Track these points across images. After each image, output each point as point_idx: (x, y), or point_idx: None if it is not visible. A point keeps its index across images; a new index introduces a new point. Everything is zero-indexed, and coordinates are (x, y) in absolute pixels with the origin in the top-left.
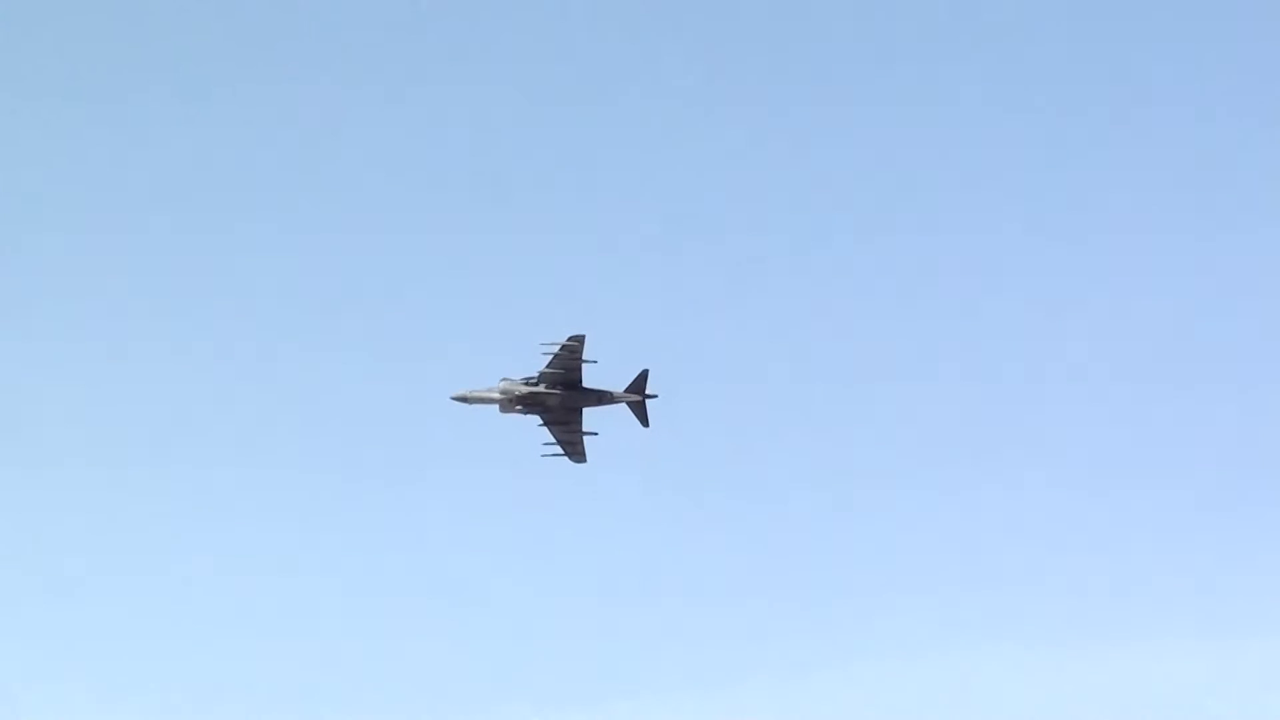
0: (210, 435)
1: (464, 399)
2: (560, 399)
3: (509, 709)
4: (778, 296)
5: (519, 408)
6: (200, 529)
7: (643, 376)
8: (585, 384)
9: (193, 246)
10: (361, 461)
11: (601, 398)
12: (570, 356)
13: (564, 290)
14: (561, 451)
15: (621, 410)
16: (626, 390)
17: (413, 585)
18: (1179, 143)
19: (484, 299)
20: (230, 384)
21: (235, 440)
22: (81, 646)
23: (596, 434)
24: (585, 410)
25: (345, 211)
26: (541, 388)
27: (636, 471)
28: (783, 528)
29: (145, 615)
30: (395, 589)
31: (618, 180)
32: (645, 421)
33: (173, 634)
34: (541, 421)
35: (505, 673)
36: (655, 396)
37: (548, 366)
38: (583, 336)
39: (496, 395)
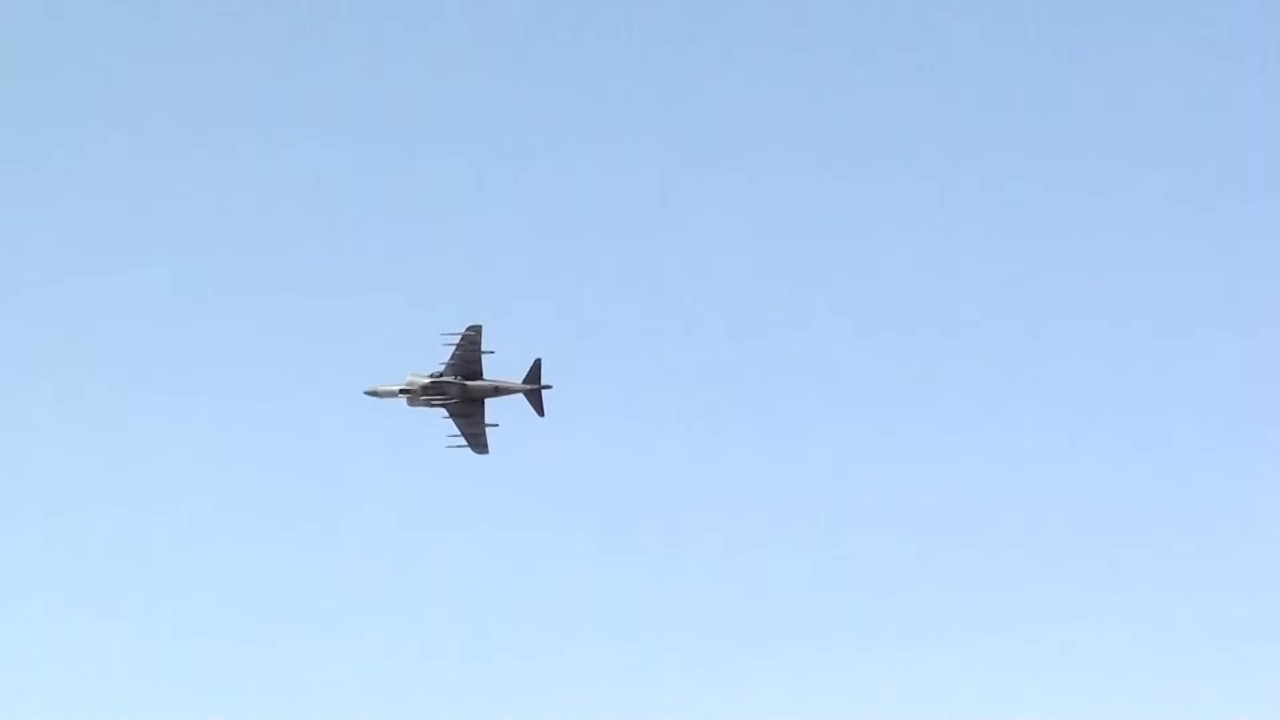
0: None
1: (375, 393)
2: (460, 388)
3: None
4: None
5: (424, 398)
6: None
7: (537, 366)
8: (485, 375)
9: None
10: (277, 459)
11: (499, 388)
12: (470, 346)
13: (464, 281)
14: (465, 443)
15: (521, 401)
16: (523, 381)
17: (330, 578)
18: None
19: (393, 292)
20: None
21: (145, 439)
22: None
23: (497, 425)
24: (487, 401)
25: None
26: (444, 378)
27: (534, 462)
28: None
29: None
30: (316, 582)
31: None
32: (541, 411)
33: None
34: (447, 414)
35: (408, 668)
36: (550, 387)
37: (450, 358)
38: (480, 326)
39: (403, 387)
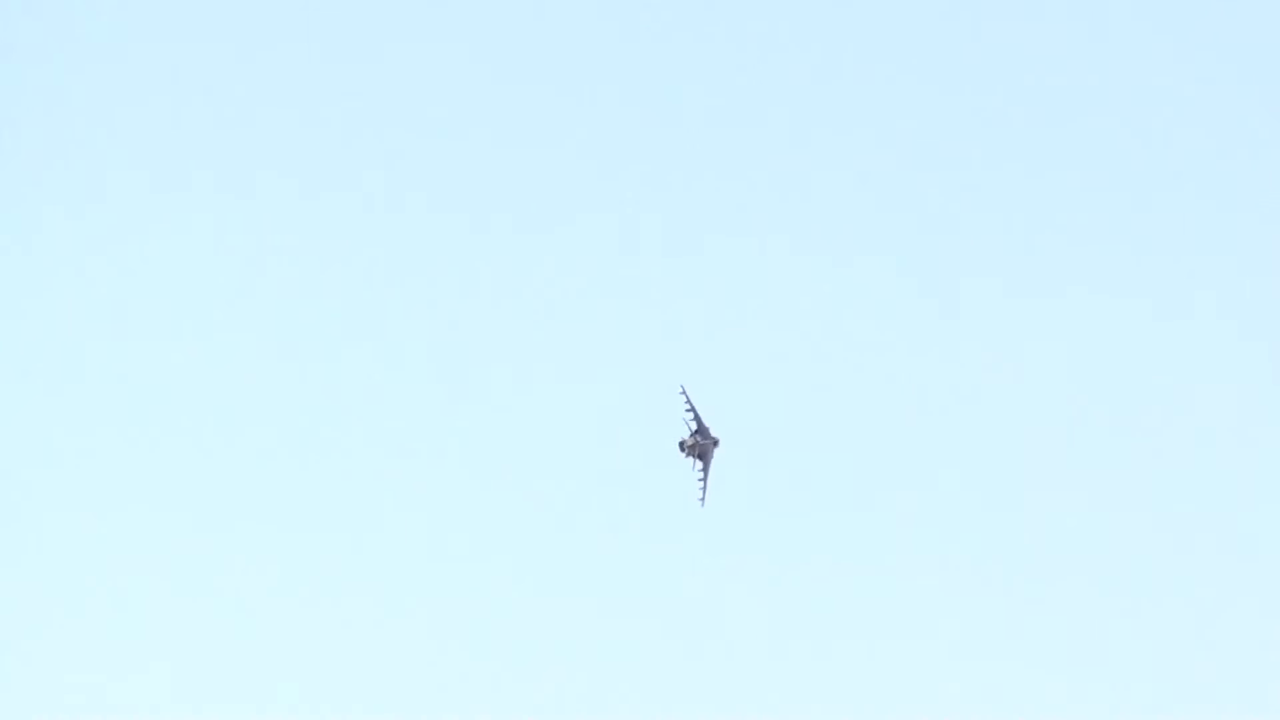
0: None
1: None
2: (701, 445)
3: None
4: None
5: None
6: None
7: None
8: (698, 432)
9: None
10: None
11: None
12: (688, 404)
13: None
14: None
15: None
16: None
17: None
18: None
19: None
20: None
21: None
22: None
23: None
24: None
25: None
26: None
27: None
28: None
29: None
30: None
31: None
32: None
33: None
34: (697, 465)
35: None
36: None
37: (692, 415)
38: (682, 385)
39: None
